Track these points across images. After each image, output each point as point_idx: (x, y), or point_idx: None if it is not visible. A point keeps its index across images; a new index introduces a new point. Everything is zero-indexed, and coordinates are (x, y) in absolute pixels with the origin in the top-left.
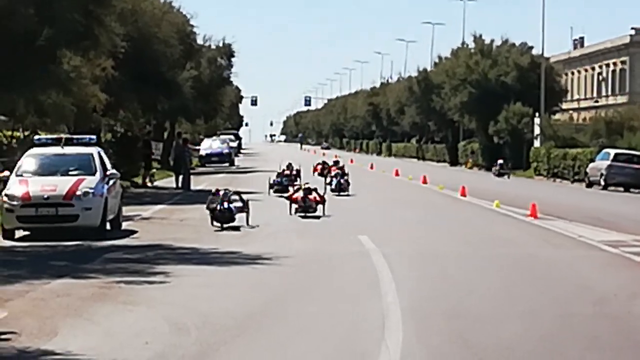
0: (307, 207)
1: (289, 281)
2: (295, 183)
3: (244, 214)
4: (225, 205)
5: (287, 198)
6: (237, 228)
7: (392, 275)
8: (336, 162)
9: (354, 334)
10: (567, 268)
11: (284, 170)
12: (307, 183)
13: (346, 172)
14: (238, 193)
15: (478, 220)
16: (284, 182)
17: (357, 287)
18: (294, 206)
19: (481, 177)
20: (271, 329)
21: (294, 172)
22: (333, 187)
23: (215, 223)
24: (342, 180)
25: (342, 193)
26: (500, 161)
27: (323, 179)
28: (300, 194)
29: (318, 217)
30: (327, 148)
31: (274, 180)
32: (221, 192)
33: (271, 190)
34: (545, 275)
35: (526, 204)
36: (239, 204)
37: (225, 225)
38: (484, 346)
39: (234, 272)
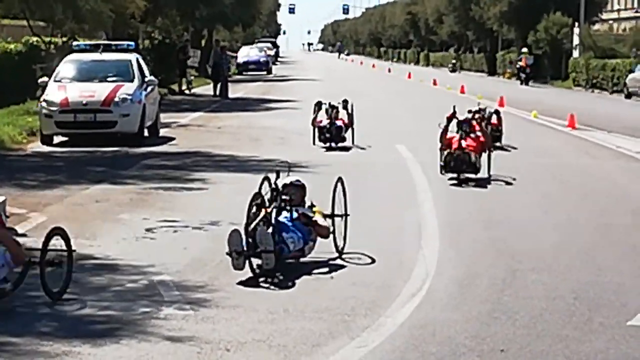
0: None
1: (326, 189)
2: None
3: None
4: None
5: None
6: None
7: (429, 185)
8: (480, 113)
9: (391, 243)
10: (605, 178)
11: (320, 118)
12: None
13: (502, 130)
14: None
15: (516, 130)
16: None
17: (394, 197)
18: None
19: (519, 87)
20: None
21: (338, 122)
22: None
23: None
24: None
25: None
26: (453, 61)
27: None
28: None
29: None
30: (348, 54)
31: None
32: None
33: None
34: (583, 186)
35: (564, 115)
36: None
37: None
38: (519, 255)
39: None
